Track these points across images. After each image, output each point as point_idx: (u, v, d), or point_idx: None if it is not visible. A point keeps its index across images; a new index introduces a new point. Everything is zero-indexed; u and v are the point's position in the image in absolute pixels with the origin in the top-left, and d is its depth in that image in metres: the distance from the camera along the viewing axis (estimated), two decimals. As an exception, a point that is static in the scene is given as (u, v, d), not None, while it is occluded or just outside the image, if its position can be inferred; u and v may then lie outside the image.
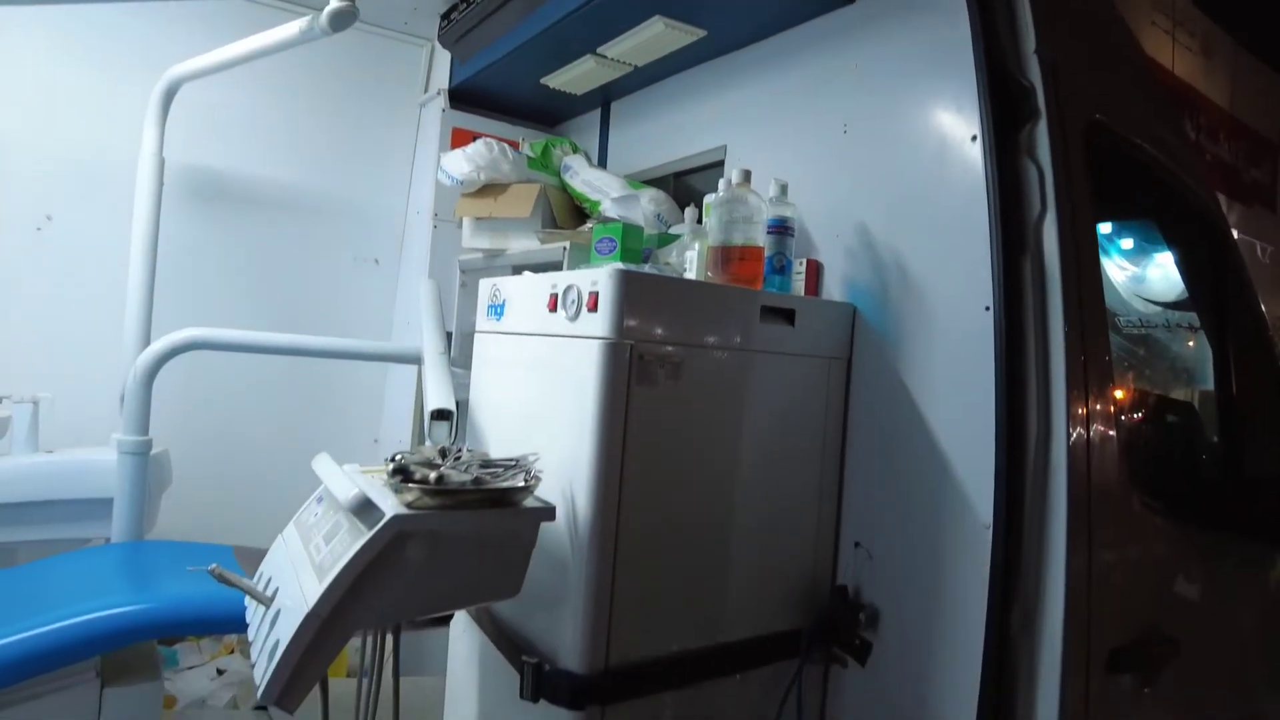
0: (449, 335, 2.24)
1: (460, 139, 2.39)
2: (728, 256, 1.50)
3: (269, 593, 1.27)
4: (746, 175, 1.52)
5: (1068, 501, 1.32)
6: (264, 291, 2.54)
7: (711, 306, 1.41)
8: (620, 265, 1.35)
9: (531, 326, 1.52)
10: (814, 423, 1.55)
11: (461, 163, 2.12)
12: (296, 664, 1.06)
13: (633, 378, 1.30)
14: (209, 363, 2.11)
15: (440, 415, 1.65)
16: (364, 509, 1.11)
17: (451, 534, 1.15)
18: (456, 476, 1.17)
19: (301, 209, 2.59)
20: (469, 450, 1.38)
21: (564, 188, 2.26)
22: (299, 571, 1.21)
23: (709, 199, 1.75)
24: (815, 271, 1.68)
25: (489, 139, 2.15)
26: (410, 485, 1.14)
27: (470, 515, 1.16)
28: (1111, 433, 1.43)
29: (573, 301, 1.37)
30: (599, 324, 1.30)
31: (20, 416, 2.04)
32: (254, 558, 2.00)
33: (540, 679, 1.29)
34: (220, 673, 2.24)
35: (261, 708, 2.09)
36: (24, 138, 2.19)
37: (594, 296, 1.31)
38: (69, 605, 1.49)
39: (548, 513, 1.22)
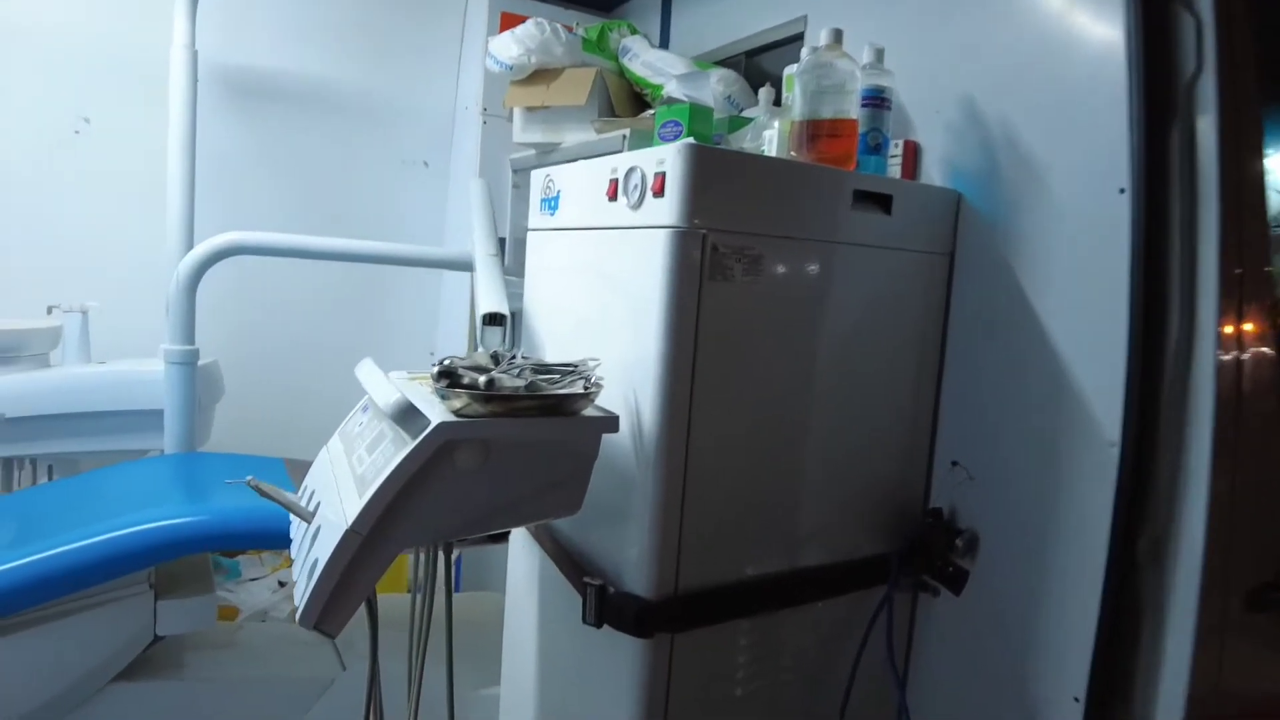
0: (502, 241, 2.09)
1: (509, 23, 2.18)
2: (815, 132, 1.30)
3: (310, 507, 1.17)
4: (837, 36, 1.30)
5: (1214, 417, 1.13)
6: (310, 198, 2.42)
7: (796, 190, 1.22)
8: (692, 141, 1.17)
9: (589, 219, 1.36)
10: (909, 326, 1.36)
11: (510, 45, 1.93)
12: (336, 584, 0.97)
13: (705, 273, 1.13)
14: (259, 272, 2.01)
15: (492, 320, 1.52)
16: (408, 416, 0.99)
17: (504, 443, 1.03)
18: (509, 381, 1.03)
19: (345, 109, 2.44)
20: (523, 356, 1.25)
21: (622, 73, 2.05)
22: (340, 485, 1.11)
23: (790, 70, 1.54)
24: (913, 153, 1.47)
25: (540, 20, 1.95)
26: (458, 390, 1.01)
27: (525, 423, 1.03)
28: (1267, 348, 1.21)
29: (635, 186, 1.20)
30: (666, 210, 1.13)
31: (71, 326, 1.99)
32: (305, 471, 1.96)
33: (604, 602, 1.18)
34: (282, 584, 2.23)
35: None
36: (59, 32, 2.07)
37: (660, 178, 1.14)
38: (120, 516, 1.44)
39: (610, 422, 1.08)
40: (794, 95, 1.36)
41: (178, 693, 1.50)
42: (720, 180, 1.15)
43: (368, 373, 1.21)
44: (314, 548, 1.06)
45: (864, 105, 1.34)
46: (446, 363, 1.20)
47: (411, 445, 0.97)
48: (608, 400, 1.14)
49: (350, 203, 2.48)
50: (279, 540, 1.41)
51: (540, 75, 1.97)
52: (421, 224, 2.58)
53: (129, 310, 2.14)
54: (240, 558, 2.31)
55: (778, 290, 1.21)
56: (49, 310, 2.00)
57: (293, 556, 1.18)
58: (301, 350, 2.47)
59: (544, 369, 1.12)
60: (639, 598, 1.15)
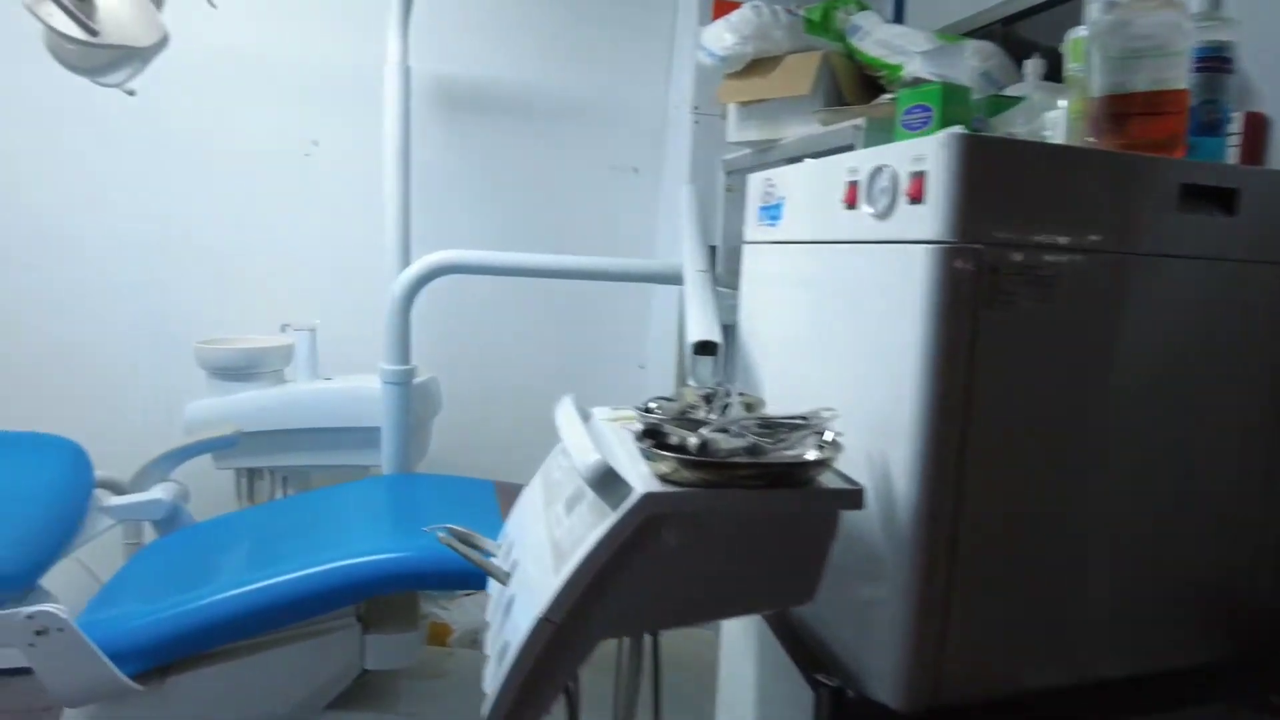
0: (712, 250, 1.91)
1: (723, 11, 1.99)
2: (1123, 110, 0.98)
3: (509, 561, 1.06)
4: (1157, -21, 0.98)
5: None
6: (517, 209, 2.38)
7: (1101, 188, 0.93)
8: (960, 130, 0.92)
9: (819, 230, 1.14)
10: (1257, 367, 1.01)
11: (723, 35, 1.74)
12: (528, 676, 0.83)
13: (980, 299, 0.88)
14: (466, 282, 1.98)
15: (703, 349, 1.34)
16: (607, 482, 0.83)
17: (720, 520, 0.84)
18: (726, 443, 0.84)
19: (552, 115, 2.37)
20: (740, 395, 1.06)
21: (851, 55, 1.79)
22: (537, 547, 0.98)
23: (1076, 33, 1.22)
24: (1259, 130, 1.10)
25: (757, 3, 1.74)
26: (664, 453, 0.83)
27: (746, 496, 0.83)
28: None
29: (884, 190, 0.97)
30: (927, 220, 0.89)
31: (302, 344, 2.07)
32: (515, 496, 1.90)
33: (840, 708, 0.96)
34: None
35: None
36: (287, 60, 2.17)
37: (918, 180, 0.90)
38: (337, 547, 1.43)
39: (853, 497, 0.86)
40: (1090, 62, 1.05)
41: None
42: (1001, 179, 0.89)
43: (566, 419, 1.07)
44: (507, 624, 0.94)
45: (1197, 69, 1.00)
46: (652, 406, 1.04)
47: (612, 519, 0.81)
48: (847, 460, 0.92)
49: (558, 212, 2.42)
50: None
51: (757, 65, 1.76)
52: (632, 232, 2.47)
53: (352, 325, 2.20)
54: (454, 572, 2.33)
55: (1076, 320, 0.92)
56: (282, 328, 2.10)
57: (488, 620, 1.08)
58: (507, 364, 2.45)
59: (767, 424, 0.91)
60: (887, 709, 0.92)
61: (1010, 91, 1.49)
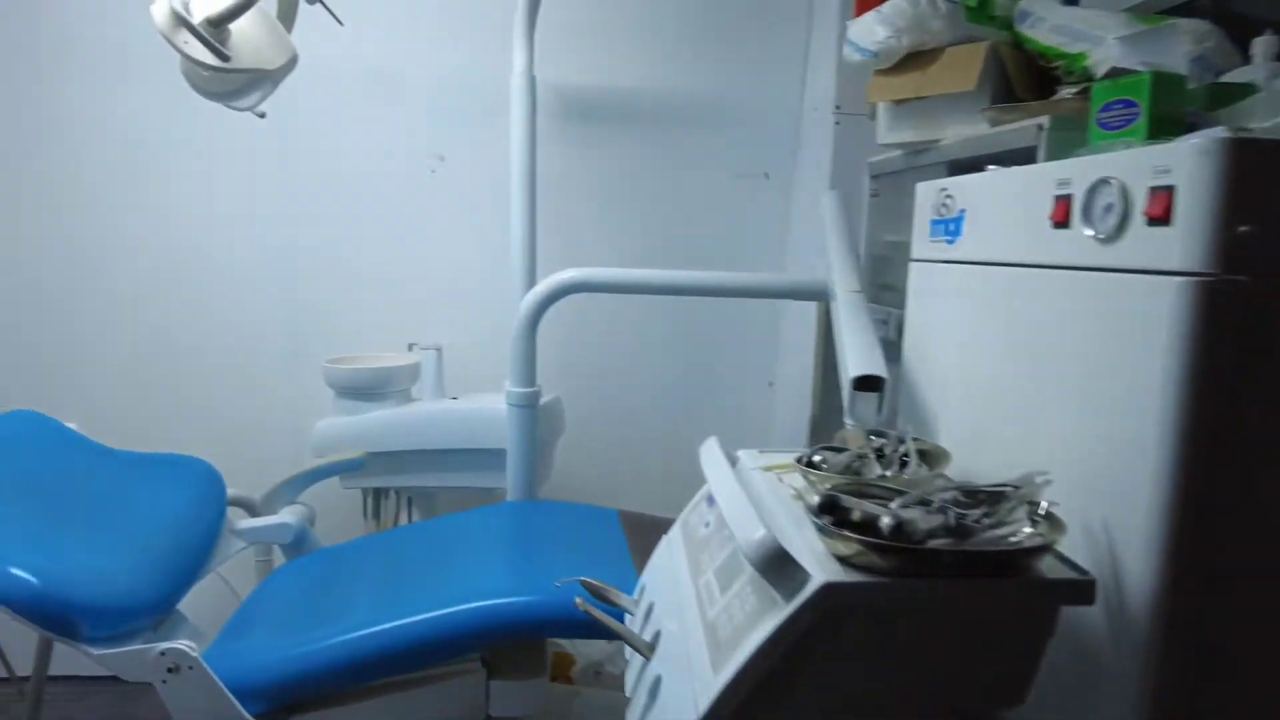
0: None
1: (866, 5, 1.81)
2: None
3: (649, 635, 0.95)
4: None
5: None
6: (642, 219, 2.27)
7: None
8: (1224, 134, 0.73)
9: (1015, 251, 0.97)
10: None
11: (875, 28, 1.57)
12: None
13: (1246, 348, 0.70)
14: (586, 298, 1.90)
15: (866, 384, 1.18)
16: (776, 565, 0.70)
17: (917, 615, 0.70)
18: (924, 522, 0.70)
19: (678, 121, 2.25)
20: (915, 442, 0.91)
21: (1020, 44, 1.58)
22: (685, 620, 0.86)
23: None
24: None
25: None
26: (848, 535, 0.70)
27: (949, 587, 0.68)
28: None
29: (1110, 207, 0.79)
30: (1175, 246, 0.71)
31: (428, 363, 2.04)
32: (639, 526, 1.79)
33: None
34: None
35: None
36: (412, 73, 2.14)
37: (1163, 196, 0.73)
38: (464, 585, 1.36)
39: (1083, 590, 0.70)
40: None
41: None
42: (1274, 193, 0.70)
43: (714, 469, 0.94)
44: (654, 709, 0.82)
45: None
46: (816, 460, 0.91)
47: (786, 612, 0.68)
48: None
49: (684, 222, 2.30)
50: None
51: (913, 59, 1.59)
52: (761, 243, 2.32)
53: (479, 343, 2.16)
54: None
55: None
56: (410, 347, 2.07)
57: (627, 694, 0.97)
58: (629, 377, 2.35)
59: (969, 491, 0.76)
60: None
61: (1230, 78, 1.27)
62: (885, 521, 0.69)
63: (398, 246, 2.20)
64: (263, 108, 1.53)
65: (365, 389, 1.97)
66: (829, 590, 0.67)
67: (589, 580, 1.05)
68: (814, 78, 2.16)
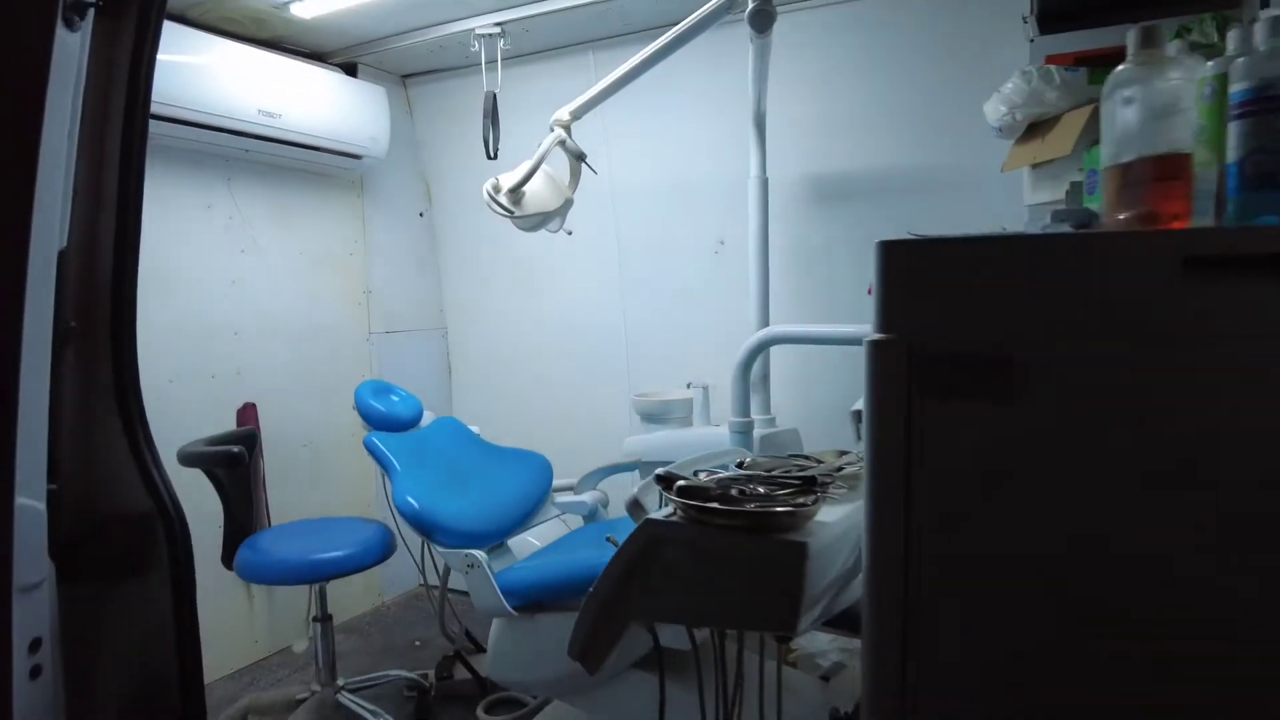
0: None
1: (1053, 63, 1.93)
2: None
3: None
4: None
5: None
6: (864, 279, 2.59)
7: None
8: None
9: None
10: None
11: (997, 106, 1.74)
12: (587, 631, 1.23)
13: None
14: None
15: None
16: (636, 509, 1.19)
17: (704, 551, 1.12)
18: (718, 490, 1.12)
19: (900, 189, 2.53)
20: (785, 458, 1.27)
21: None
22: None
23: None
24: None
25: (1029, 69, 1.70)
26: (673, 497, 1.15)
27: (718, 534, 1.09)
28: None
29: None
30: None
31: (698, 398, 2.66)
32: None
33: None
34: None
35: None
36: (695, 176, 2.83)
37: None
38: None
39: (794, 549, 1.04)
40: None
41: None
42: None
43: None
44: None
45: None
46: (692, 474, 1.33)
47: (636, 533, 1.17)
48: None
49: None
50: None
51: (1036, 127, 1.71)
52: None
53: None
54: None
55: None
56: (687, 385, 2.72)
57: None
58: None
59: (779, 480, 1.14)
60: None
61: None
62: (680, 484, 1.13)
63: (687, 310, 2.90)
64: (568, 227, 2.37)
65: (655, 415, 2.68)
66: (648, 524, 1.14)
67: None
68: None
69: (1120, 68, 0.93)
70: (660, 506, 1.23)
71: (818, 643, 2.45)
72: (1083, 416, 0.86)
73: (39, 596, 1.08)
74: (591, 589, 1.23)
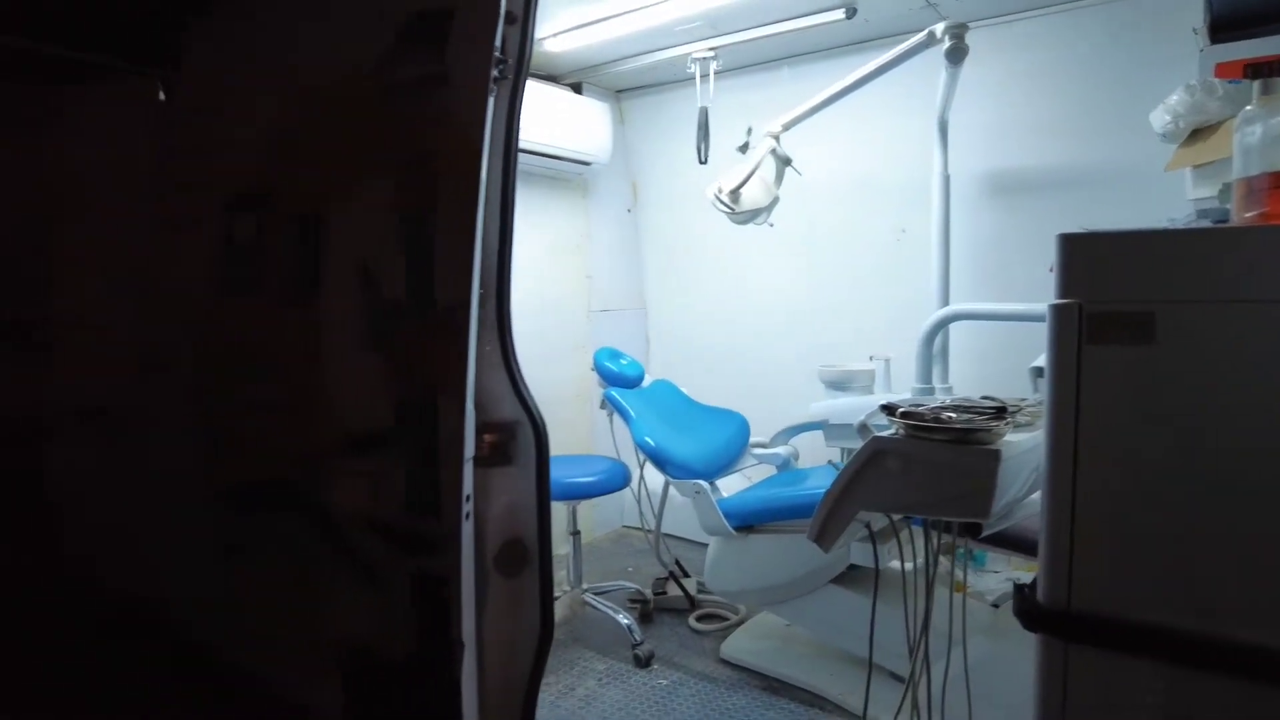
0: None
1: (1223, 72, 2.18)
2: None
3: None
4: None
5: None
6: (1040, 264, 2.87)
7: None
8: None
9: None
10: None
11: (1162, 115, 2.02)
12: (823, 519, 1.68)
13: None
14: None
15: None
16: (864, 430, 1.63)
17: (917, 458, 1.55)
18: (931, 414, 1.54)
19: (1069, 185, 2.80)
20: (990, 398, 1.66)
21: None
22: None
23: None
24: None
25: (1192, 83, 1.97)
26: (893, 417, 1.59)
27: (929, 445, 1.52)
28: None
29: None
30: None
31: (879, 369, 3.05)
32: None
33: (1020, 598, 1.49)
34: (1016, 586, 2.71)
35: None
36: (884, 175, 3.20)
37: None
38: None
39: (988, 457, 1.45)
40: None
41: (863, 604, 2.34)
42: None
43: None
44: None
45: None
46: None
47: (862, 446, 1.61)
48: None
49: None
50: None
51: (1199, 132, 1.98)
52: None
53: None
54: (989, 551, 2.94)
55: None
56: (870, 358, 3.11)
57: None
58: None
59: (975, 407, 1.55)
60: (1037, 603, 1.43)
61: None
62: (901, 410, 1.56)
63: (871, 291, 3.28)
64: (771, 220, 2.83)
65: (840, 383, 3.09)
66: (875, 440, 1.58)
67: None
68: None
69: (1247, 108, 1.28)
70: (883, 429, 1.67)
71: (986, 582, 2.80)
72: (1207, 358, 1.23)
73: (469, 467, 1.67)
74: (827, 489, 1.69)
